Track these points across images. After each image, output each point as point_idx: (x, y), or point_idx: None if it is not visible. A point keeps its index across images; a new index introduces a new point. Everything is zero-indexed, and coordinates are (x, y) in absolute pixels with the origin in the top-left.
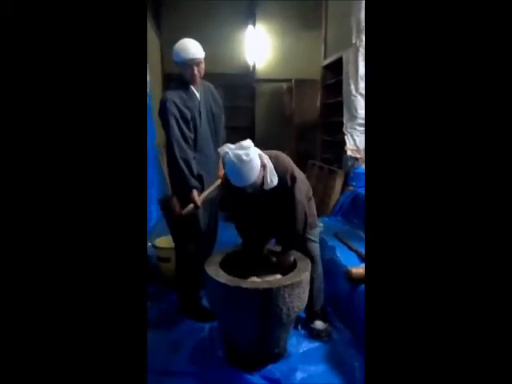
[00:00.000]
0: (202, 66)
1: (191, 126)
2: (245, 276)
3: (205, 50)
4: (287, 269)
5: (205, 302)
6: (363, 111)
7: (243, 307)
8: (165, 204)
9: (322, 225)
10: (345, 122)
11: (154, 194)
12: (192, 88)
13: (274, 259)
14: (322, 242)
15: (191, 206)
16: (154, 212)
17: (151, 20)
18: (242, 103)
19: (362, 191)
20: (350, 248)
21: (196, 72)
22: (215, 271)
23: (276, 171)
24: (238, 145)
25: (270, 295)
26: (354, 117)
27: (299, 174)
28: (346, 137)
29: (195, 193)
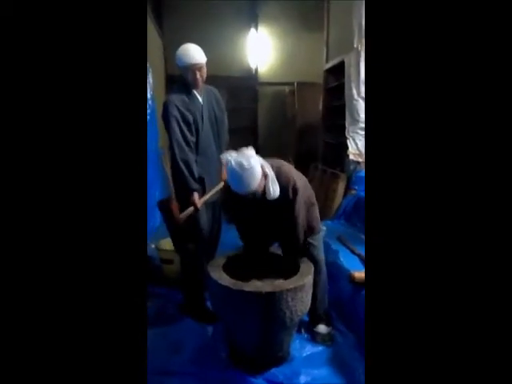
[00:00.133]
0: (204, 70)
1: (193, 129)
2: (247, 279)
3: (207, 53)
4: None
5: (209, 304)
6: None
7: (246, 310)
8: (164, 206)
9: (324, 228)
10: (347, 125)
11: (157, 195)
12: (194, 91)
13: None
14: (325, 246)
15: (191, 208)
16: (156, 214)
17: (154, 22)
18: (245, 106)
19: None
20: (353, 252)
21: (198, 76)
22: (218, 274)
23: (278, 182)
24: (239, 152)
25: (273, 299)
26: (356, 121)
27: (301, 184)
28: (348, 140)
29: (196, 195)
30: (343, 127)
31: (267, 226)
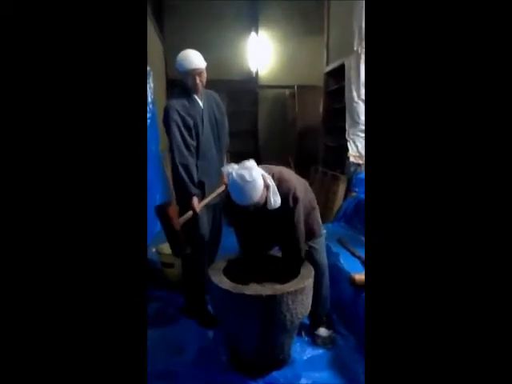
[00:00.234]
0: (204, 75)
1: (193, 134)
2: (247, 282)
3: (208, 57)
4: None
5: (210, 307)
6: None
7: (247, 314)
8: (160, 211)
9: (325, 231)
10: (347, 128)
11: (158, 198)
12: (195, 96)
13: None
14: (326, 248)
15: (190, 212)
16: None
17: (154, 26)
18: (246, 109)
19: None
20: (354, 254)
21: (198, 81)
22: (219, 278)
23: (278, 191)
24: (241, 165)
25: (273, 302)
26: (356, 123)
27: (301, 191)
28: (348, 143)
29: (195, 200)
30: (343, 130)
31: (267, 232)
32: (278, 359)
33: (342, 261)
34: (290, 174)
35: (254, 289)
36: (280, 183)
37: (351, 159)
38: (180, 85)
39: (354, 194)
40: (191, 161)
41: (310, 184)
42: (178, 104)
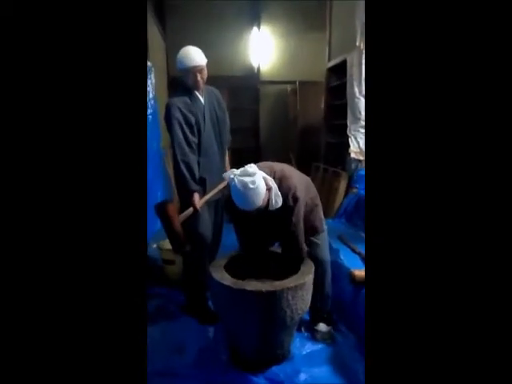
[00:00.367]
0: (205, 72)
1: (195, 131)
2: (248, 279)
3: (209, 53)
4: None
5: (211, 304)
6: None
7: (247, 309)
8: (160, 209)
9: (325, 227)
10: (349, 124)
11: (159, 195)
12: (196, 93)
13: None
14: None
15: (190, 209)
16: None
17: (156, 23)
18: (247, 105)
19: None
20: (354, 250)
21: (199, 78)
22: (220, 274)
23: (279, 190)
24: (243, 170)
25: (273, 297)
26: (357, 119)
27: (302, 190)
28: (349, 139)
29: (196, 197)
30: (345, 126)
31: (267, 229)
32: (278, 354)
33: (342, 257)
34: (291, 172)
35: (254, 285)
36: (281, 182)
37: (352, 155)
38: (181, 82)
39: (354, 190)
40: (192, 158)
41: (311, 180)
42: (179, 101)
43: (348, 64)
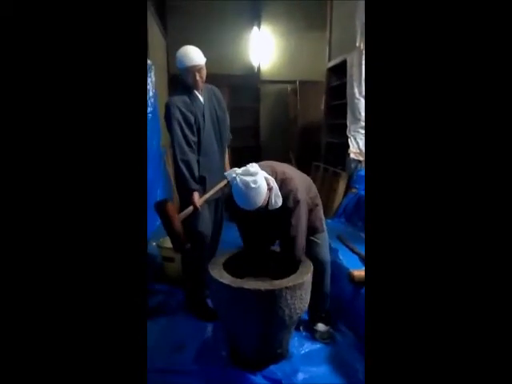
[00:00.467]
0: (204, 71)
1: (195, 130)
2: (247, 277)
3: (210, 52)
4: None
5: (210, 302)
6: None
7: (246, 308)
8: (160, 207)
9: (325, 227)
10: (348, 124)
11: (159, 193)
12: (196, 92)
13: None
14: None
15: (190, 208)
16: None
17: (157, 22)
18: (247, 104)
19: None
20: (353, 250)
21: (198, 78)
22: (219, 272)
23: (281, 191)
24: (244, 170)
25: (272, 297)
26: (357, 120)
27: (303, 191)
28: (349, 140)
29: (196, 195)
30: (345, 126)
31: (268, 228)
32: (276, 353)
33: (341, 257)
34: (292, 173)
35: (253, 284)
36: (282, 183)
37: (352, 156)
38: (181, 81)
39: (354, 190)
40: (192, 157)
41: (312, 180)
42: (178, 100)
43: (348, 64)
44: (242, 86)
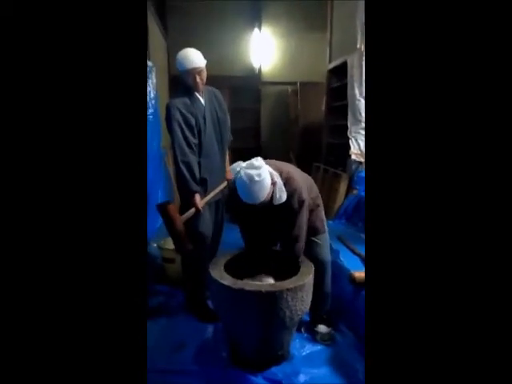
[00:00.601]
0: (204, 73)
1: (196, 132)
2: (248, 278)
3: (211, 53)
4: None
5: (210, 303)
6: None
7: (246, 310)
8: (162, 209)
9: (326, 228)
10: (349, 125)
11: (159, 194)
12: (196, 94)
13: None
14: None
15: (192, 210)
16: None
17: (158, 23)
18: (248, 105)
19: None
20: (354, 251)
21: (198, 80)
22: (219, 273)
23: (285, 189)
24: (249, 163)
25: (273, 298)
26: (358, 121)
27: (306, 191)
28: (350, 141)
29: (197, 197)
30: (346, 127)
31: (270, 228)
32: (277, 355)
33: (342, 258)
34: (296, 173)
35: (254, 285)
36: (287, 182)
37: (353, 157)
38: (181, 83)
39: (355, 191)
40: (193, 159)
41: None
42: (179, 102)
43: (348, 65)
44: (242, 88)
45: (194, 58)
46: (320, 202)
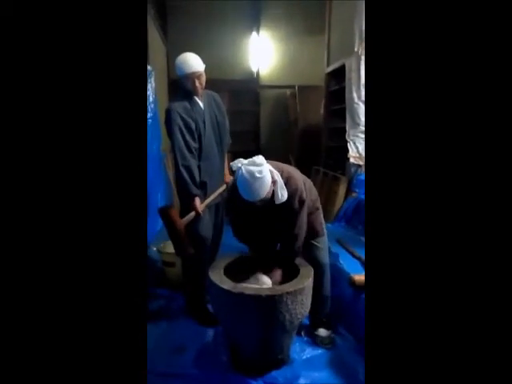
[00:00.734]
0: (203, 78)
1: (195, 136)
2: (247, 282)
3: (209, 57)
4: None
5: (210, 306)
6: None
7: (246, 314)
8: (164, 213)
9: (325, 231)
10: (347, 129)
11: (159, 198)
12: (196, 98)
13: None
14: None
15: (192, 213)
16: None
17: (157, 29)
18: (247, 109)
19: None
20: (353, 254)
21: (197, 84)
22: (219, 277)
23: (286, 189)
24: (250, 161)
25: (272, 302)
26: (356, 124)
27: (306, 192)
28: (348, 144)
29: (197, 200)
30: (344, 130)
31: (270, 228)
32: (278, 359)
33: (341, 261)
34: (296, 174)
35: (254, 289)
36: (288, 181)
37: (351, 160)
38: (181, 87)
39: (354, 194)
40: (193, 162)
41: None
42: (179, 106)
43: (346, 69)
44: (241, 91)
45: (193, 62)
46: (319, 204)
